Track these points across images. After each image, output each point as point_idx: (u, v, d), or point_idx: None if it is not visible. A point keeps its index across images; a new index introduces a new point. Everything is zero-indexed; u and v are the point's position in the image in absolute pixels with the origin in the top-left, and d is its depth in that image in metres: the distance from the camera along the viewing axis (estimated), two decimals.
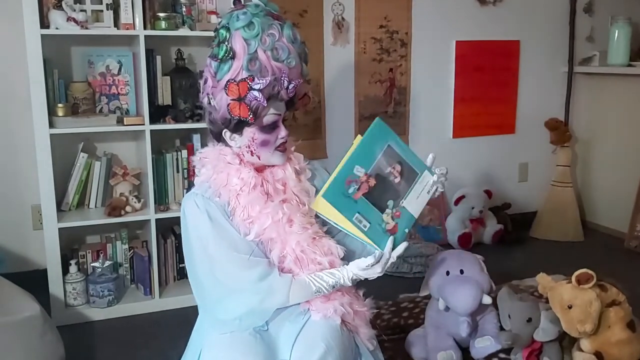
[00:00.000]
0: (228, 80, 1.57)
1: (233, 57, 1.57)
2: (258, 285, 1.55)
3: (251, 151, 1.63)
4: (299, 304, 1.62)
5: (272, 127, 1.61)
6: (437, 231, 3.78)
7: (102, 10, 2.66)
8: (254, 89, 1.54)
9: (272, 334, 1.60)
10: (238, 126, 1.61)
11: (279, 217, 1.59)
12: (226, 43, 1.58)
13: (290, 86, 1.59)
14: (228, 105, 1.57)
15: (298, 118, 3.36)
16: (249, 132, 1.61)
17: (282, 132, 1.63)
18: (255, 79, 1.54)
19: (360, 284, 1.74)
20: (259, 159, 1.64)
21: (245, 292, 1.56)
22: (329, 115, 3.48)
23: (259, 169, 1.67)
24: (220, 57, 1.59)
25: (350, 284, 1.62)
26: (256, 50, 1.56)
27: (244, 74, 1.55)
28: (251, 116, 1.56)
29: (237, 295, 1.56)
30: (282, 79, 1.57)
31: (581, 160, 4.16)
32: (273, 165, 1.68)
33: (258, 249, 1.60)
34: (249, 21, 1.56)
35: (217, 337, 1.58)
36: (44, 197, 2.61)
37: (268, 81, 1.55)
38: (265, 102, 1.55)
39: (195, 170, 1.71)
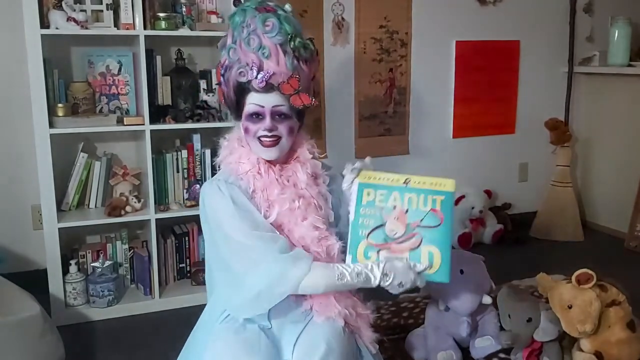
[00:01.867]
0: (216, 66, 1.68)
1: (224, 46, 1.63)
2: (281, 255, 1.53)
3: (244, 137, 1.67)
4: (308, 299, 1.62)
5: (257, 117, 1.60)
6: None
7: (102, 10, 2.67)
8: (221, 74, 1.63)
9: (275, 332, 1.60)
10: (232, 113, 1.68)
11: (296, 205, 1.61)
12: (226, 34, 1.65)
13: (259, 76, 1.56)
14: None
15: None
16: (242, 119, 1.65)
17: (264, 125, 1.59)
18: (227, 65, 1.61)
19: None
20: (250, 146, 1.66)
21: (269, 262, 1.52)
22: (329, 115, 3.48)
23: (268, 162, 1.67)
24: (218, 45, 1.68)
25: (377, 279, 1.52)
26: (236, 41, 1.59)
27: (227, 62, 1.62)
28: (223, 101, 1.66)
29: (260, 266, 1.53)
30: (252, 68, 1.56)
31: (581, 160, 4.16)
32: (285, 163, 1.68)
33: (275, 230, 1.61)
34: (234, 12, 1.61)
35: (221, 335, 1.58)
36: (44, 197, 2.61)
37: (225, 67, 1.61)
38: (225, 86, 1.63)
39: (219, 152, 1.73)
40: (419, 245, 1.55)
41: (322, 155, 1.77)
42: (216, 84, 1.70)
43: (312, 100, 1.62)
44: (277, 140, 1.62)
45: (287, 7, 1.64)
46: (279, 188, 1.62)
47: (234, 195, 1.59)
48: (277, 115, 1.61)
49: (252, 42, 1.56)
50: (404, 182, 1.59)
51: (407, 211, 1.57)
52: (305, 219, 1.62)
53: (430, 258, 1.55)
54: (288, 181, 1.66)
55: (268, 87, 1.58)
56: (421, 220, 1.57)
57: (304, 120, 1.71)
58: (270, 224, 1.60)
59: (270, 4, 1.62)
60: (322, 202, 1.68)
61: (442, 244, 1.56)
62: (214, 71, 2.95)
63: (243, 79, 1.58)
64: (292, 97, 1.60)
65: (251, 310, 1.58)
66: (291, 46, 1.58)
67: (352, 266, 1.55)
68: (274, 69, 1.57)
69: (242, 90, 1.60)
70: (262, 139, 1.61)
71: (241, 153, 1.66)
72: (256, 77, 1.56)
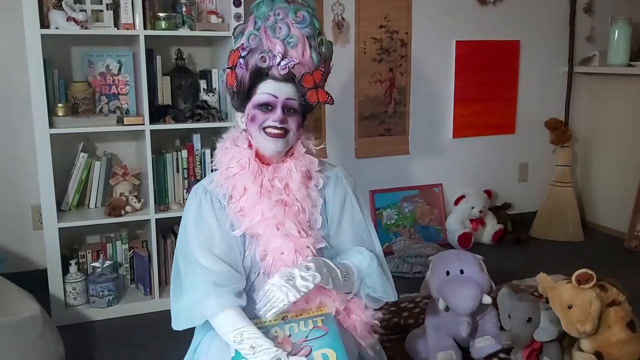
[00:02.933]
0: (230, 51, 1.61)
1: (242, 32, 1.60)
2: (208, 287, 1.53)
3: (246, 129, 1.63)
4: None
5: (267, 108, 1.57)
6: (437, 231, 3.78)
7: (102, 10, 2.67)
8: (241, 56, 1.57)
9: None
10: (237, 101, 1.63)
11: (270, 215, 1.57)
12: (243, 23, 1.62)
13: (282, 63, 1.53)
14: (225, 75, 1.62)
15: None
16: (247, 108, 1.61)
17: (274, 115, 1.56)
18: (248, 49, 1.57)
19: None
20: (251, 137, 1.62)
21: (197, 286, 1.55)
22: (329, 115, 3.48)
23: (265, 162, 1.63)
24: (233, 34, 1.63)
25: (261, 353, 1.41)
26: (260, 28, 1.56)
27: (247, 46, 1.57)
28: (235, 84, 1.59)
29: (194, 286, 1.56)
30: (276, 54, 1.53)
31: (581, 160, 4.16)
32: (281, 162, 1.63)
33: (234, 252, 1.59)
34: (260, 1, 1.58)
35: (216, 341, 1.57)
36: (44, 197, 2.61)
37: (249, 49, 1.55)
38: (244, 68, 1.56)
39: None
40: (310, 353, 1.48)
41: (320, 147, 1.72)
42: (227, 68, 1.64)
43: (328, 97, 1.60)
44: (285, 132, 1.58)
45: (312, 4, 1.62)
46: (257, 196, 1.58)
47: (203, 204, 1.60)
48: (286, 109, 1.58)
49: (278, 31, 1.54)
50: (282, 319, 1.57)
51: (289, 336, 1.53)
52: (280, 227, 1.58)
53: (325, 359, 1.48)
54: (281, 182, 1.61)
55: (287, 77, 1.55)
56: (306, 336, 1.52)
57: (305, 120, 1.68)
58: (248, 233, 1.59)
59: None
60: (307, 205, 1.63)
61: (335, 345, 1.50)
62: (214, 71, 2.96)
63: (264, 64, 1.54)
64: (309, 92, 1.57)
65: (178, 321, 1.60)
66: (317, 41, 1.57)
67: (255, 338, 1.44)
68: (298, 59, 1.55)
69: (259, 75, 1.56)
70: (269, 129, 1.57)
71: (233, 154, 1.62)
72: (278, 64, 1.53)
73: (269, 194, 1.60)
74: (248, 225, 1.58)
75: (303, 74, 1.56)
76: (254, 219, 1.57)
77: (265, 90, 1.56)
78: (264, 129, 1.57)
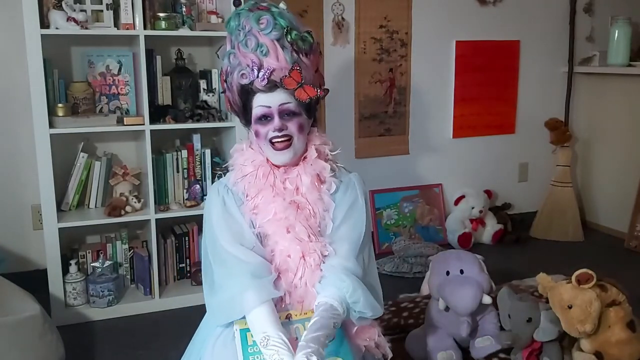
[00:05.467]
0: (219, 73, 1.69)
1: (224, 53, 1.64)
2: (245, 279, 1.52)
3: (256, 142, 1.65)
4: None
5: (266, 119, 1.58)
6: (437, 231, 3.78)
7: (102, 10, 2.67)
8: (225, 81, 1.63)
9: None
10: (242, 119, 1.66)
11: (282, 216, 1.58)
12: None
13: (260, 74, 1.54)
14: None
15: None
16: (251, 124, 1.63)
17: (272, 125, 1.57)
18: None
19: None
20: (261, 150, 1.63)
21: (235, 278, 1.54)
22: (329, 115, 3.48)
23: (276, 165, 1.64)
24: (218, 55, 1.66)
25: None
26: (235, 46, 1.58)
27: (228, 68, 1.61)
28: (230, 107, 1.65)
29: (231, 279, 1.56)
30: (253, 68, 1.55)
31: (581, 160, 4.16)
32: (293, 165, 1.64)
33: (259, 246, 1.60)
34: (229, 18, 1.60)
35: (222, 335, 1.58)
36: (44, 197, 2.61)
37: (226, 72, 1.60)
38: (230, 92, 1.62)
39: None
40: None
41: (334, 152, 1.71)
42: (221, 92, 1.70)
43: (317, 91, 1.59)
44: (289, 140, 1.58)
45: (282, 5, 1.62)
46: (270, 195, 1.59)
47: (227, 201, 1.62)
48: (285, 114, 1.57)
49: (249, 43, 1.55)
50: (286, 318, 1.56)
51: (296, 339, 1.50)
52: (290, 230, 1.58)
53: None
54: (292, 184, 1.61)
55: (271, 85, 1.55)
56: None
57: (315, 115, 1.67)
58: (258, 232, 1.60)
59: (263, 4, 1.59)
60: (319, 209, 1.62)
61: (343, 353, 1.52)
62: (214, 71, 2.96)
63: (245, 81, 1.56)
64: (296, 92, 1.56)
65: (217, 317, 1.60)
66: (288, 40, 1.56)
67: (280, 347, 1.43)
68: (274, 65, 1.54)
69: (246, 92, 1.58)
70: (274, 140, 1.57)
71: (248, 156, 1.65)
72: (257, 77, 1.54)
73: (282, 194, 1.61)
74: (260, 223, 1.60)
75: (281, 78, 1.55)
76: (265, 217, 1.59)
77: (258, 103, 1.58)
78: (269, 141, 1.58)
